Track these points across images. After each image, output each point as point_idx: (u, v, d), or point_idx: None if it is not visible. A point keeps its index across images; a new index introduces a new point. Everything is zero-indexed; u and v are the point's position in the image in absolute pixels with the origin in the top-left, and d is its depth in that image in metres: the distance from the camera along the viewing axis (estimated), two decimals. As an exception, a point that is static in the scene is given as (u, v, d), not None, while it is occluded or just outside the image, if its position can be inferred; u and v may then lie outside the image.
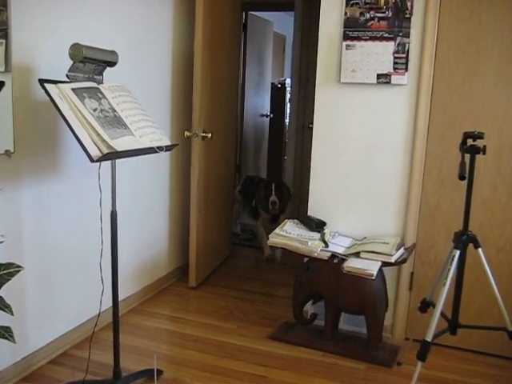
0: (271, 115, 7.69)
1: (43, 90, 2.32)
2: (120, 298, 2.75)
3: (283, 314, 3.77)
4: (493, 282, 2.54)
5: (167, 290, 4.19)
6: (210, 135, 4.06)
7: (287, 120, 7.50)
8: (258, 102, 7.27)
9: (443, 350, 3.30)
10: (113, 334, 2.69)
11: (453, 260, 2.46)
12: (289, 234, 3.27)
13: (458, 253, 2.47)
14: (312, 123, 3.55)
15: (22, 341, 2.82)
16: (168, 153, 4.10)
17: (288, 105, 7.56)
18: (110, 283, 2.67)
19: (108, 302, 2.76)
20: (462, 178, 2.35)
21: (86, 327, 3.23)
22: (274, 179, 5.24)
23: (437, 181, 3.31)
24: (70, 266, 3.14)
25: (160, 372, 2.89)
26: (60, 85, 2.35)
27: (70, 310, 3.17)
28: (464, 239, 2.49)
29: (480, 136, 2.47)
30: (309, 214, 3.52)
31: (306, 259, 3.37)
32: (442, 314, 2.55)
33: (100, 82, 2.63)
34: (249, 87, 6.83)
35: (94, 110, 2.38)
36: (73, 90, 2.36)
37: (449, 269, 2.47)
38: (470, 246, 2.56)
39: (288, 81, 7.56)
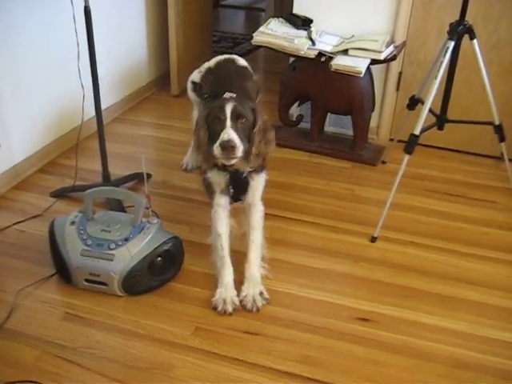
0: None
1: None
2: (102, 108, 2.66)
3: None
4: (485, 74, 2.48)
5: (149, 99, 4.10)
6: None
7: None
8: None
9: (426, 149, 3.35)
10: (98, 136, 2.66)
11: (446, 52, 2.37)
12: (274, 32, 3.10)
13: (452, 44, 2.36)
14: None
15: (8, 153, 2.80)
16: None
17: None
18: (90, 89, 2.57)
19: (90, 112, 2.69)
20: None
21: (69, 136, 3.18)
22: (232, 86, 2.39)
23: (432, -29, 3.09)
24: (46, 73, 2.99)
25: (149, 175, 2.92)
26: None
27: (51, 120, 3.10)
28: (460, 29, 2.37)
29: None
30: (294, 11, 3.31)
31: (291, 59, 3.24)
32: (431, 111, 2.52)
33: None
34: None
35: None
36: None
37: (441, 61, 2.38)
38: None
39: None
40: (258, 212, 2.26)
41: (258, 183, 2.23)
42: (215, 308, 2.04)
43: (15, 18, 2.71)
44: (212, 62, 2.73)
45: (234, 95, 2.14)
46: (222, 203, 2.20)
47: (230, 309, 2.03)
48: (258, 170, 2.19)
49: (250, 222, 2.25)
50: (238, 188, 2.20)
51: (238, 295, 2.09)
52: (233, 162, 1.99)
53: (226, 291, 2.08)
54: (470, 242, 2.54)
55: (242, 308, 2.07)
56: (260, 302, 2.07)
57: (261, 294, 2.10)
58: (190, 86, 2.81)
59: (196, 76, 2.77)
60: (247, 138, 2.02)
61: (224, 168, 2.12)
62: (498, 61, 3.13)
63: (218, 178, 2.18)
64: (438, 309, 2.11)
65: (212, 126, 2.02)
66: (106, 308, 2.05)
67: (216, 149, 1.94)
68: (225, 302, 2.04)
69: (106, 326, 1.97)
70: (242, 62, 2.73)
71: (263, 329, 1.99)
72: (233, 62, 2.71)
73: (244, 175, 2.15)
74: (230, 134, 1.93)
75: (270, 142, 2.12)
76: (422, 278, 2.29)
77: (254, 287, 2.11)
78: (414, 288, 2.23)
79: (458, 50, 2.45)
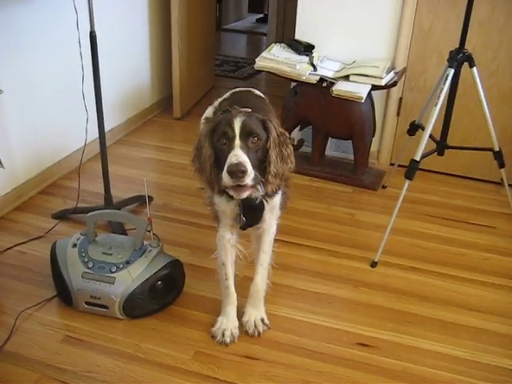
0: None
1: None
2: (105, 130, 2.69)
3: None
4: (484, 101, 2.50)
5: (152, 122, 4.14)
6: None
7: None
8: None
9: (427, 174, 3.38)
10: (101, 159, 2.68)
11: (446, 79, 2.40)
12: (276, 57, 3.14)
13: (452, 72, 2.39)
14: None
15: (10, 174, 2.81)
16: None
17: None
18: (94, 111, 2.60)
19: (94, 133, 2.71)
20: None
21: (72, 158, 3.21)
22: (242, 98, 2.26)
23: (433, 1, 3.13)
24: (50, 95, 3.03)
25: (151, 198, 2.93)
26: None
27: (55, 141, 3.12)
28: (459, 57, 2.40)
29: None
30: (296, 37, 3.36)
31: (293, 84, 3.28)
32: (431, 136, 2.54)
33: None
34: None
35: None
36: None
37: (442, 88, 2.41)
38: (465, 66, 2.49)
39: None
40: (270, 235, 2.08)
41: (273, 205, 2.00)
42: (213, 337, 2.02)
43: (22, 40, 2.75)
44: (227, 94, 2.41)
45: (244, 109, 1.85)
46: (227, 236, 2.03)
47: (227, 341, 2.00)
48: (276, 192, 1.93)
49: (260, 245, 2.09)
50: (251, 216, 1.95)
51: (241, 319, 2.07)
52: (245, 195, 1.72)
53: (228, 321, 2.05)
54: (470, 267, 2.54)
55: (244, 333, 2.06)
56: (261, 328, 2.06)
57: (262, 320, 2.08)
58: (203, 123, 2.38)
59: (209, 111, 2.42)
60: (260, 160, 1.77)
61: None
62: (498, 87, 3.17)
63: (226, 207, 1.94)
64: (439, 335, 2.11)
65: (218, 144, 1.75)
66: (107, 331, 2.05)
67: (225, 175, 1.68)
68: (224, 334, 2.01)
69: (107, 350, 1.96)
70: (257, 92, 2.42)
71: (264, 353, 1.98)
72: (249, 92, 2.44)
73: (258, 201, 1.89)
74: (239, 156, 1.67)
75: (288, 157, 1.84)
76: (423, 303, 2.29)
77: (256, 312, 2.09)
78: (415, 314, 2.22)
79: (457, 78, 2.48)
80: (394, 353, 2.01)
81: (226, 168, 1.66)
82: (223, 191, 1.83)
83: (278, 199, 2.01)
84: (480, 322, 2.19)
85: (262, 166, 1.77)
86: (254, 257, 2.14)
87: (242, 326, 2.08)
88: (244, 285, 2.17)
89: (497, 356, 2.02)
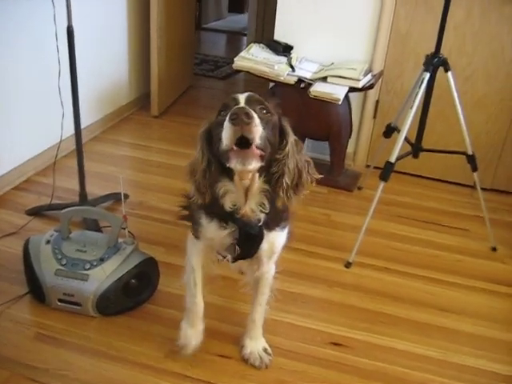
0: None
1: None
2: (82, 126, 2.65)
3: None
4: (458, 106, 2.54)
5: (129, 119, 4.11)
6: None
7: None
8: None
9: (402, 176, 3.42)
10: (77, 156, 2.65)
11: (422, 83, 2.43)
12: (255, 57, 3.14)
13: (427, 75, 2.43)
14: None
15: (-18, 168, 2.77)
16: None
17: None
18: (70, 107, 2.57)
19: (69, 130, 2.68)
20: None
21: (48, 154, 3.16)
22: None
23: (410, 5, 3.17)
24: (26, 90, 2.98)
25: (126, 195, 2.90)
26: None
27: (29, 136, 3.08)
28: (435, 62, 2.43)
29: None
30: (275, 37, 3.37)
31: (271, 84, 3.29)
32: (406, 139, 2.58)
33: None
34: None
35: None
36: None
37: (417, 92, 2.44)
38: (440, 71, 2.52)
39: None
40: (269, 273, 1.85)
41: (277, 243, 1.69)
42: (180, 349, 1.88)
43: (-3, 35, 2.71)
44: None
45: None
46: (201, 246, 1.77)
47: (188, 354, 1.86)
48: (279, 221, 1.64)
49: (258, 287, 1.87)
50: (245, 247, 1.63)
51: (241, 352, 1.95)
52: (251, 164, 1.36)
53: (192, 338, 1.86)
54: (443, 269, 2.58)
55: (251, 365, 1.93)
56: (267, 359, 1.93)
57: (265, 350, 1.95)
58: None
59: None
60: (270, 142, 1.42)
61: (230, 218, 1.56)
62: (472, 93, 3.22)
63: (215, 235, 1.62)
64: (412, 335, 2.13)
65: (217, 131, 1.40)
66: (80, 329, 2.03)
67: (225, 133, 1.34)
68: (186, 348, 1.87)
69: (79, 348, 1.94)
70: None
71: (237, 352, 1.98)
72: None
73: (259, 224, 1.57)
74: (245, 107, 1.36)
75: (309, 170, 1.54)
76: (397, 304, 2.31)
77: (257, 344, 1.95)
78: (388, 314, 2.25)
79: (433, 82, 2.51)
80: (368, 352, 2.03)
81: (227, 120, 1.33)
82: (216, 213, 1.57)
83: (282, 239, 1.71)
84: (452, 323, 2.22)
85: (271, 151, 1.43)
86: (250, 289, 1.98)
87: (244, 359, 1.95)
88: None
89: (468, 356, 2.05)
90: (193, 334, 1.88)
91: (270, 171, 1.49)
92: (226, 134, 1.34)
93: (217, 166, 1.49)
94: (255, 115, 1.34)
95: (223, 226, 1.59)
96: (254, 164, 1.37)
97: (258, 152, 1.36)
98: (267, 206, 1.54)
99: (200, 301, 1.87)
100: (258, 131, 1.34)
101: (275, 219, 1.62)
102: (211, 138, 1.49)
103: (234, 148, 1.34)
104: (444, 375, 1.95)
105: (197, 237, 1.76)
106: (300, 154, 1.53)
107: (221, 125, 1.38)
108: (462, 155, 2.68)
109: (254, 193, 1.52)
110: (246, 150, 1.34)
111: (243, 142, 1.33)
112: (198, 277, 1.83)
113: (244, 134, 1.32)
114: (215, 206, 1.54)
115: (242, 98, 1.44)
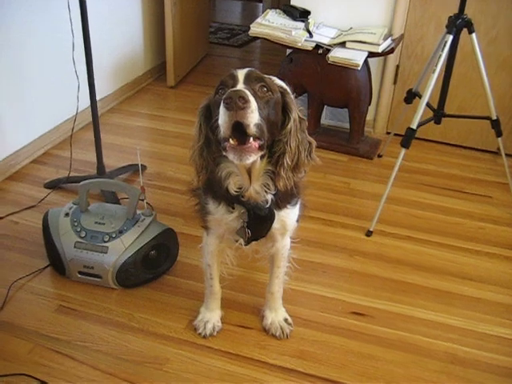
0: None
1: None
2: (97, 98, 2.63)
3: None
4: (483, 69, 2.46)
5: (145, 90, 4.07)
6: None
7: None
8: None
9: (423, 143, 3.35)
10: (93, 128, 2.63)
11: (445, 46, 2.35)
12: (271, 23, 3.06)
13: (450, 38, 2.35)
14: None
15: (1, 143, 2.76)
16: None
17: None
18: (85, 79, 2.54)
19: (85, 102, 2.66)
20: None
21: (64, 127, 3.16)
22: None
23: (431, -36, 3.06)
24: (39, 62, 2.96)
25: (144, 167, 2.90)
26: None
27: (45, 110, 3.06)
28: (459, 23, 2.35)
29: None
30: (292, 2, 3.28)
31: (288, 51, 3.22)
32: (428, 104, 2.51)
33: None
34: None
35: None
36: None
37: (440, 55, 2.37)
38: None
39: None
40: (285, 248, 1.82)
41: (289, 220, 1.66)
42: (195, 329, 1.91)
43: (7, 7, 2.67)
44: None
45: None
46: (215, 243, 1.78)
47: (207, 333, 1.89)
48: (290, 198, 1.60)
49: (274, 260, 1.85)
50: (256, 229, 1.59)
51: (262, 323, 1.94)
52: (250, 158, 1.32)
53: (210, 314, 1.92)
54: (465, 236, 2.53)
55: (271, 336, 1.93)
56: (288, 329, 1.91)
57: (285, 320, 1.94)
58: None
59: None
60: (271, 122, 1.36)
61: (237, 200, 1.52)
62: (497, 55, 3.12)
63: (222, 218, 1.60)
64: (434, 304, 2.11)
65: (216, 111, 1.35)
66: (100, 301, 2.04)
67: (221, 118, 1.29)
68: (205, 326, 1.90)
69: (100, 319, 1.96)
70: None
71: (257, 322, 1.98)
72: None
73: (267, 206, 1.53)
74: (241, 88, 1.30)
75: (310, 150, 1.50)
76: (418, 272, 2.28)
77: (277, 314, 1.94)
78: (410, 283, 2.22)
79: (456, 44, 2.44)
80: (389, 322, 2.01)
81: (221, 105, 1.28)
82: (224, 196, 1.53)
83: (294, 215, 1.68)
84: (474, 291, 2.19)
85: (272, 132, 1.38)
86: (266, 262, 1.96)
87: (265, 329, 1.95)
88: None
89: (490, 324, 2.02)
90: (211, 317, 1.92)
91: (272, 150, 1.44)
92: (222, 120, 1.29)
93: (217, 145, 1.42)
94: (251, 98, 1.27)
95: (230, 210, 1.57)
96: (253, 158, 1.34)
97: (257, 144, 1.32)
98: (272, 186, 1.49)
99: (217, 289, 1.92)
100: (253, 117, 1.28)
101: (285, 197, 1.58)
102: (210, 115, 1.45)
103: (231, 142, 1.30)
104: (467, 344, 1.93)
105: (206, 227, 1.75)
106: (303, 132, 1.47)
107: (218, 105, 1.32)
108: (485, 120, 2.61)
109: (257, 174, 1.47)
110: (244, 146, 1.30)
111: (240, 128, 1.28)
112: (214, 271, 1.87)
113: (238, 119, 1.26)
114: (220, 188, 1.51)
115: (241, 74, 1.38)
